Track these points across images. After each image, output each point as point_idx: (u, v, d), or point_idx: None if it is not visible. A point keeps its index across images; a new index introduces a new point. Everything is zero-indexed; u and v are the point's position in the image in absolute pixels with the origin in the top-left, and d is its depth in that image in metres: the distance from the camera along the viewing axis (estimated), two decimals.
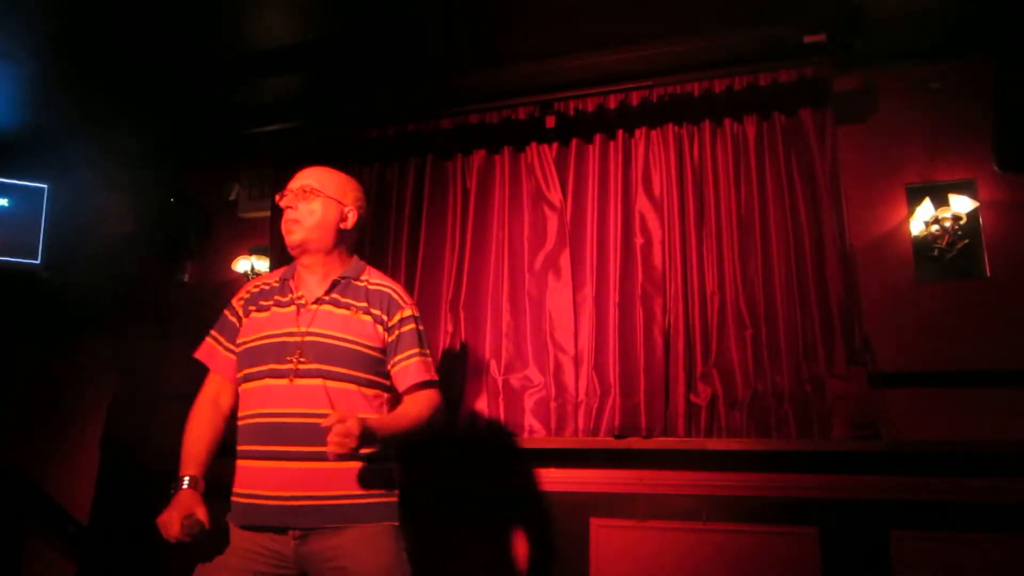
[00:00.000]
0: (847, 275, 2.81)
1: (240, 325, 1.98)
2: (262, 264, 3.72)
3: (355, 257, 2.05)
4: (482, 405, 3.07)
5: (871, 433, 2.62)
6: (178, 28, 3.02)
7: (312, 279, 1.96)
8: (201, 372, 2.05)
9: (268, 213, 3.66)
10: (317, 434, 1.66)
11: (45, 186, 3.68)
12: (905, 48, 2.98)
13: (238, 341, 1.95)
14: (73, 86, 3.38)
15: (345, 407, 1.78)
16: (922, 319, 2.82)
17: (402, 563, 1.80)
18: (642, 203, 3.11)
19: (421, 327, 2.00)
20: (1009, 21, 2.75)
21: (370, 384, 1.90)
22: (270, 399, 1.83)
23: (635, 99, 3.13)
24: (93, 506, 3.57)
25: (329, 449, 1.62)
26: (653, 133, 3.18)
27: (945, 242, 2.85)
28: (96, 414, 3.71)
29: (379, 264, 2.81)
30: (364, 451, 1.70)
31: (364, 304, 1.93)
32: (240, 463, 1.87)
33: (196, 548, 1.80)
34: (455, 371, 3.13)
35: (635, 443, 2.80)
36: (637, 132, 3.20)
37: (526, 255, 3.23)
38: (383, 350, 1.93)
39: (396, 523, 1.84)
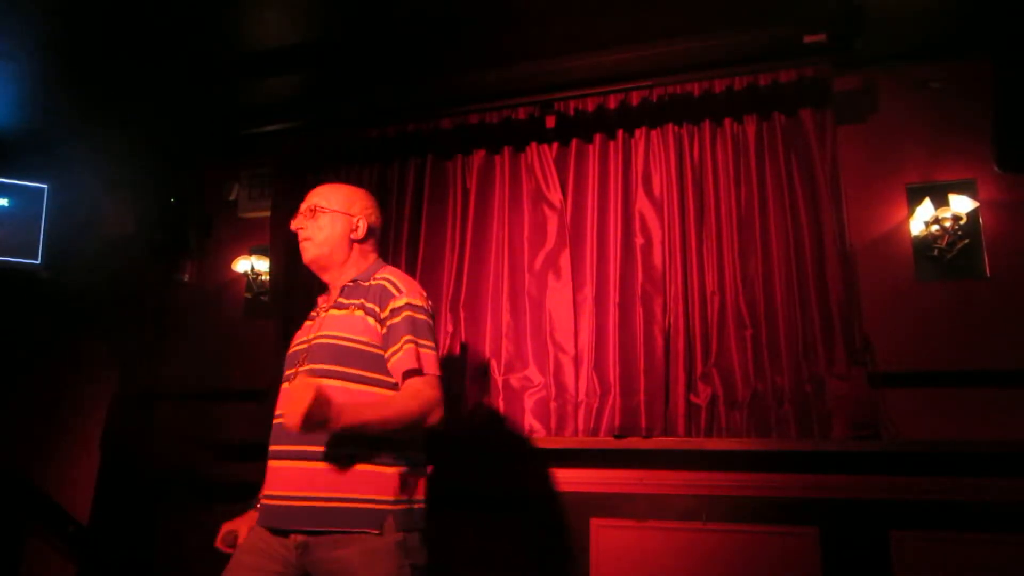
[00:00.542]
0: (847, 275, 2.81)
1: None
2: (262, 264, 3.72)
3: (374, 262, 2.03)
4: (482, 405, 3.07)
5: (871, 433, 2.61)
6: (178, 28, 3.02)
7: (334, 291, 2.02)
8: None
9: (268, 213, 3.65)
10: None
11: (45, 186, 3.67)
12: (905, 48, 2.98)
13: None
14: (73, 86, 3.38)
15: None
16: (922, 319, 2.82)
17: None
18: (642, 203, 3.11)
19: (420, 316, 1.87)
20: (1009, 21, 2.75)
21: (363, 380, 1.82)
22: (279, 402, 1.90)
23: (635, 99, 3.13)
24: (93, 506, 3.57)
25: (284, 420, 1.61)
26: (653, 133, 3.18)
27: (945, 242, 2.84)
28: (96, 414, 3.71)
29: None
30: (328, 428, 1.63)
31: (360, 300, 1.90)
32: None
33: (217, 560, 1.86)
34: (455, 371, 3.13)
35: (635, 443, 2.80)
36: (637, 132, 3.20)
37: (526, 255, 3.23)
38: (380, 345, 1.86)
39: (399, 536, 1.73)
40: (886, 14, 2.77)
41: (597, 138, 3.24)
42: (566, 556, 2.82)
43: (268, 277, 3.69)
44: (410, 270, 3.35)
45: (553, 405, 3.00)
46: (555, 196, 3.25)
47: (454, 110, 3.37)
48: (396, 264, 3.34)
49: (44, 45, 3.10)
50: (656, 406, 2.85)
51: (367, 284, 1.94)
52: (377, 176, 3.52)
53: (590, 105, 3.18)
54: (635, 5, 2.82)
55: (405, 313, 1.86)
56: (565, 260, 3.16)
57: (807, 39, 2.83)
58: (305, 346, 1.91)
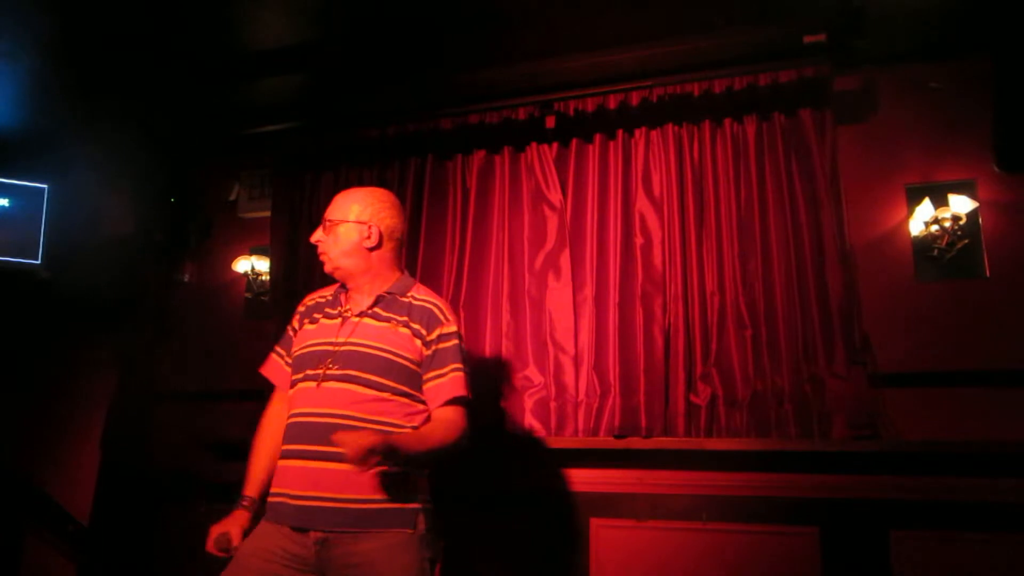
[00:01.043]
0: (847, 275, 2.81)
1: (295, 338, 2.06)
2: (262, 264, 3.72)
3: (404, 274, 2.08)
4: (482, 405, 3.07)
5: (871, 433, 2.62)
6: (178, 28, 3.03)
7: (359, 296, 2.01)
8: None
9: (268, 213, 3.65)
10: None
11: (45, 186, 3.68)
12: (905, 48, 2.98)
13: (292, 352, 2.02)
14: (73, 86, 3.38)
15: (371, 412, 1.81)
16: (922, 319, 2.82)
17: (422, 573, 1.78)
18: (642, 203, 3.11)
19: (461, 344, 1.98)
20: (1009, 21, 2.75)
21: (400, 393, 1.88)
22: (300, 401, 1.89)
23: (635, 99, 3.13)
24: (93, 506, 3.57)
25: (347, 456, 1.61)
26: (653, 133, 3.18)
27: (945, 242, 2.84)
28: (96, 414, 3.71)
29: None
30: (387, 467, 1.70)
31: (405, 318, 1.94)
32: (278, 463, 1.91)
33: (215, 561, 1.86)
34: None
35: (635, 443, 2.80)
36: (637, 132, 3.20)
37: (526, 255, 3.23)
38: (419, 363, 1.92)
39: (419, 531, 1.80)
40: (886, 14, 2.77)
41: (597, 138, 3.24)
42: (566, 556, 2.82)
43: (268, 277, 3.69)
44: (410, 270, 3.32)
45: (553, 405, 3.00)
46: (555, 196, 3.25)
47: (454, 110, 3.37)
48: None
49: (44, 45, 3.10)
50: (656, 406, 2.85)
51: (405, 300, 1.98)
52: (377, 176, 3.52)
53: (590, 105, 3.18)
54: (635, 5, 2.83)
55: (454, 341, 1.96)
56: (565, 260, 3.16)
57: (807, 39, 2.83)
58: (330, 348, 1.90)
